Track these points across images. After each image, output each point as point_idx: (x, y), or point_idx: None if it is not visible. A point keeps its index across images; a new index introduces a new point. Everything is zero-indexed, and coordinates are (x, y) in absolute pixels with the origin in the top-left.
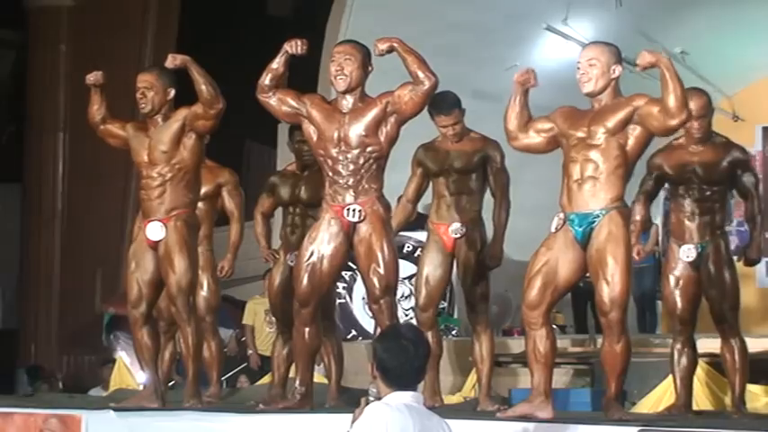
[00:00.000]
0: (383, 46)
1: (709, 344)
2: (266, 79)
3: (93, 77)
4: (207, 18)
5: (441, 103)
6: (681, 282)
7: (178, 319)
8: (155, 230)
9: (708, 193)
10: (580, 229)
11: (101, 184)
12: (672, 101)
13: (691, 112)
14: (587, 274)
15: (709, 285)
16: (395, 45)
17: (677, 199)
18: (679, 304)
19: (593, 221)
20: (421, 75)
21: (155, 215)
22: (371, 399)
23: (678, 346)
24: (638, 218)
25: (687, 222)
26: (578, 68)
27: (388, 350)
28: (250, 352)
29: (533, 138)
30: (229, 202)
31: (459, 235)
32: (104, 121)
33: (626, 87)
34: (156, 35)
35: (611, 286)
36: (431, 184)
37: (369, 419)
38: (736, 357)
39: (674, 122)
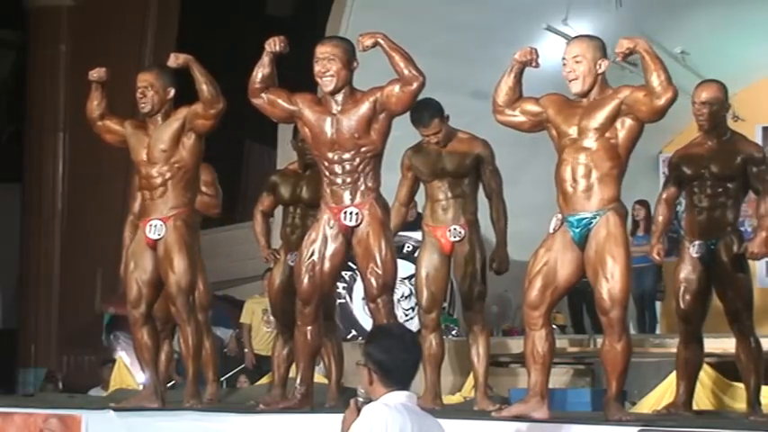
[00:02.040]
0: (368, 42)
1: (710, 344)
2: (255, 82)
3: (96, 74)
4: (207, 18)
5: (420, 114)
6: (689, 279)
7: (178, 318)
8: (154, 229)
9: (720, 189)
10: (577, 231)
11: (101, 184)
12: (656, 81)
13: (676, 90)
14: (586, 275)
15: (723, 284)
16: (379, 40)
17: (691, 196)
18: (687, 302)
19: (590, 223)
20: (407, 74)
21: (154, 214)
22: (360, 400)
23: (685, 344)
24: (660, 219)
25: (698, 218)
26: (564, 65)
27: (387, 350)
28: (246, 350)
29: (519, 117)
30: (206, 196)
31: (458, 238)
32: (102, 118)
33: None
34: (156, 35)
35: (611, 285)
36: (422, 186)
37: (368, 420)
38: (751, 357)
39: (660, 102)
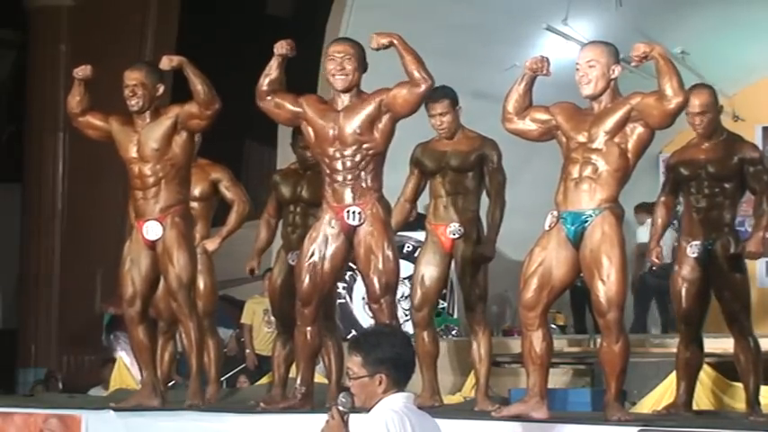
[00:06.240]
0: (383, 40)
1: (710, 344)
2: (263, 85)
3: (81, 72)
4: (207, 18)
5: (434, 92)
6: (688, 280)
7: (179, 314)
8: (152, 230)
9: (717, 189)
10: (572, 228)
11: (101, 184)
12: (668, 86)
13: (688, 95)
14: (582, 274)
15: (720, 285)
16: (394, 41)
17: (688, 196)
18: (685, 303)
19: (586, 221)
20: (417, 76)
21: (150, 215)
22: (341, 408)
23: (685, 344)
24: (659, 222)
25: (695, 218)
26: (577, 70)
27: (396, 345)
28: (247, 351)
29: (528, 125)
30: (229, 194)
31: (457, 236)
32: (84, 113)
33: (625, 87)
34: (156, 35)
35: (607, 286)
36: (428, 183)
37: (377, 426)
38: (750, 357)
39: (671, 106)
